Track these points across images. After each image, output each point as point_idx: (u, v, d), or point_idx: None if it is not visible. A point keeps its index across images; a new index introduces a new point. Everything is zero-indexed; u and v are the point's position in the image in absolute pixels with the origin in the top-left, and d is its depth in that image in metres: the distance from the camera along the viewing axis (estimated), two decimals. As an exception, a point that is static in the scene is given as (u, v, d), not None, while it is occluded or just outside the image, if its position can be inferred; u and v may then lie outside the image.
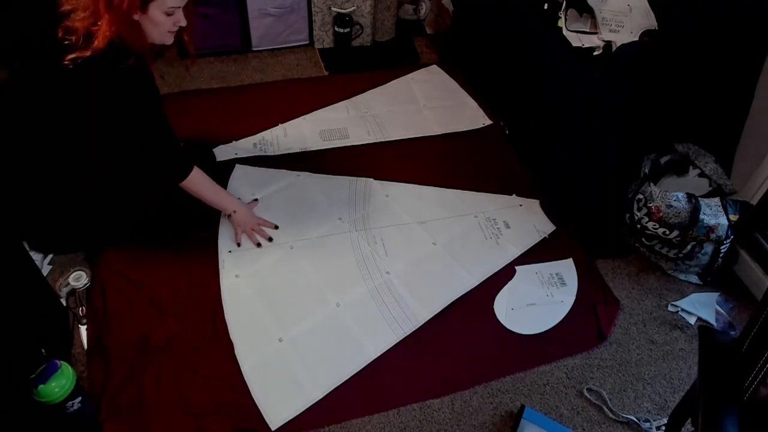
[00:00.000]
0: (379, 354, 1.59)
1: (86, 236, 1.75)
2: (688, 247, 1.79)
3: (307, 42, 2.66)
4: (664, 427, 1.48)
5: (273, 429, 1.44)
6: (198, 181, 1.69)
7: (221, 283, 1.72)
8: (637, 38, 1.82)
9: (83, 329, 1.60)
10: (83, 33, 1.39)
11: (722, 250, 1.79)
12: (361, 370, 1.56)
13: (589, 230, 1.95)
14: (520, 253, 1.88)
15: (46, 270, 1.72)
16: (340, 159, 2.13)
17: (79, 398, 1.36)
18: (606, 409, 1.54)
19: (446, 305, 1.71)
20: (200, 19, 2.30)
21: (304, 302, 1.70)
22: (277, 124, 2.25)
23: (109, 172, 1.65)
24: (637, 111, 1.79)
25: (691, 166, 1.93)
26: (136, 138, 1.58)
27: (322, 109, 2.33)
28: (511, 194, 2.07)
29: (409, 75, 2.54)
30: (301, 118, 2.29)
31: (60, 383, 1.31)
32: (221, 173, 1.99)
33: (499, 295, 1.77)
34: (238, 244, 1.81)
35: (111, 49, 1.40)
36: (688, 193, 1.77)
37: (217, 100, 2.33)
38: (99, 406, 1.43)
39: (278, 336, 1.61)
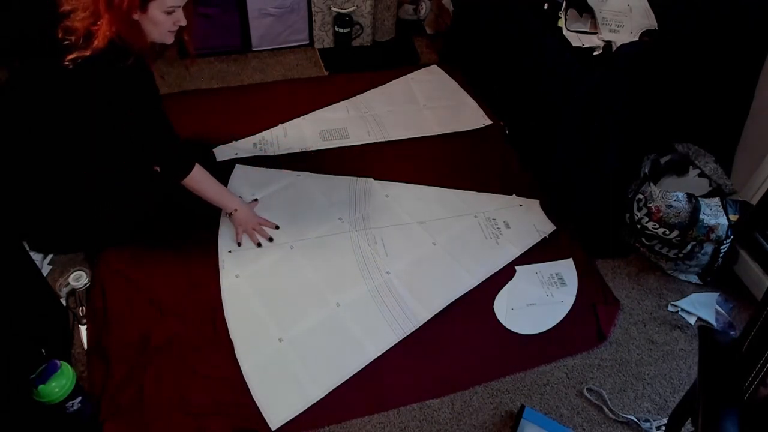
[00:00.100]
0: (379, 354, 1.59)
1: (86, 236, 1.75)
2: (688, 247, 1.79)
3: (307, 42, 2.66)
4: (664, 427, 1.48)
5: (273, 429, 1.44)
6: (200, 179, 1.70)
7: (221, 283, 1.72)
8: (637, 38, 1.82)
9: (83, 329, 1.60)
10: (83, 33, 1.39)
11: (722, 250, 1.79)
12: (361, 370, 1.56)
13: (589, 230, 1.95)
14: (520, 253, 1.88)
15: (46, 270, 1.72)
16: (340, 159, 2.13)
17: (79, 398, 1.36)
18: (606, 409, 1.54)
19: (446, 305, 1.71)
20: (200, 19, 2.30)
21: (304, 302, 1.70)
22: (277, 124, 2.25)
23: (110, 172, 1.65)
24: (637, 111, 1.79)
25: (691, 166, 1.93)
26: (137, 137, 1.58)
27: (322, 109, 2.33)
28: (511, 194, 2.07)
29: (409, 75, 2.54)
30: (301, 118, 2.29)
31: (60, 383, 1.31)
32: (221, 173, 1.99)
33: (499, 295, 1.77)
34: (239, 244, 1.81)
35: (111, 49, 1.40)
36: (688, 193, 1.77)
37: (217, 100, 2.33)
38: (99, 406, 1.43)
39: (278, 336, 1.61)
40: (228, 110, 2.29)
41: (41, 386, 1.29)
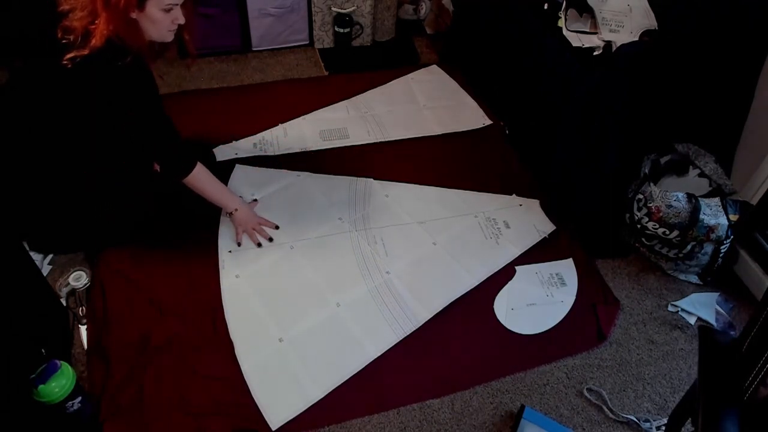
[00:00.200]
0: (379, 354, 1.59)
1: (86, 236, 1.75)
2: (688, 247, 1.78)
3: (307, 42, 2.66)
4: (664, 427, 1.48)
5: (273, 429, 1.44)
6: (201, 178, 1.70)
7: (221, 283, 1.72)
8: (637, 38, 1.82)
9: (83, 329, 1.60)
10: (81, 32, 1.39)
11: (722, 250, 1.79)
12: (361, 370, 1.56)
13: (589, 230, 1.95)
14: (520, 253, 1.88)
15: (46, 270, 1.72)
16: (340, 159, 2.13)
17: (79, 398, 1.36)
18: (606, 409, 1.54)
19: (446, 305, 1.71)
20: (200, 19, 2.30)
21: (304, 302, 1.70)
22: (277, 124, 2.25)
23: (110, 172, 1.65)
24: (637, 111, 1.79)
25: (691, 166, 1.93)
26: (137, 136, 1.58)
27: (322, 109, 2.33)
28: (511, 194, 2.07)
29: (409, 75, 2.54)
30: (301, 118, 2.29)
31: (60, 383, 1.31)
32: (221, 173, 1.98)
33: (499, 295, 1.77)
34: (239, 244, 1.81)
35: (109, 48, 1.40)
36: (688, 193, 1.77)
37: (217, 100, 2.33)
38: (99, 406, 1.43)
39: (278, 336, 1.61)
40: (228, 110, 2.29)
41: (41, 386, 1.29)
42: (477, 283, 1.78)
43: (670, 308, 1.80)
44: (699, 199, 1.75)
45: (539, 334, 1.68)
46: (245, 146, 2.14)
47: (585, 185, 1.93)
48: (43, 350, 1.38)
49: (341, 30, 2.57)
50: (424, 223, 1.94)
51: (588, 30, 1.90)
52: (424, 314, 1.69)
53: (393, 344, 1.62)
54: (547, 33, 1.94)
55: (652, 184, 1.81)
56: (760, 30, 1.70)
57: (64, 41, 1.40)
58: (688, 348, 1.70)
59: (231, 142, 2.15)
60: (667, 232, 1.78)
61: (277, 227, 1.87)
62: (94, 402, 1.43)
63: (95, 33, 1.38)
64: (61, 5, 1.41)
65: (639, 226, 1.85)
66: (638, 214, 1.84)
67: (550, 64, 1.93)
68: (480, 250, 1.87)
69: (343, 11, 2.54)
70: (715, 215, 1.73)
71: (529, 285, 1.80)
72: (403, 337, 1.64)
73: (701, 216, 1.72)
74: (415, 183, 2.07)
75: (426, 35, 2.83)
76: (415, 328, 1.66)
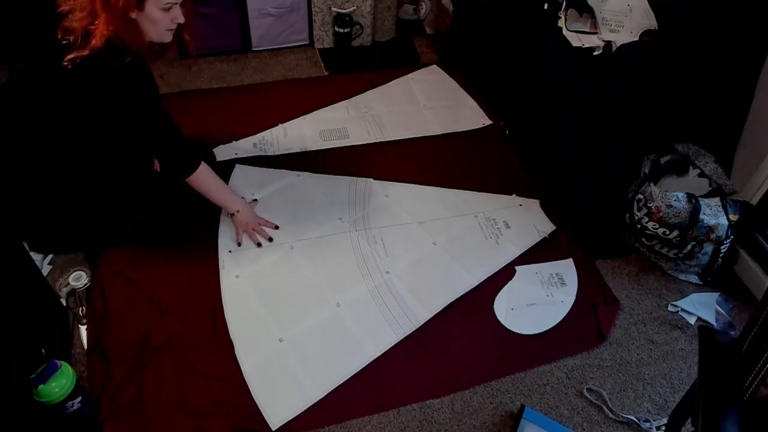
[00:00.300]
0: (379, 354, 1.59)
1: (86, 236, 1.75)
2: (688, 247, 1.78)
3: (307, 42, 2.66)
4: (664, 427, 1.48)
5: (273, 429, 1.44)
6: (205, 178, 1.70)
7: (221, 283, 1.72)
8: (637, 38, 1.82)
9: (83, 329, 1.60)
10: (81, 33, 1.39)
11: (722, 250, 1.79)
12: (361, 370, 1.56)
13: (589, 230, 1.95)
14: (520, 253, 1.88)
15: (46, 270, 1.72)
16: (340, 159, 2.13)
17: (79, 398, 1.36)
18: (606, 409, 1.54)
19: (446, 305, 1.71)
20: (200, 19, 2.30)
21: (304, 302, 1.70)
22: (277, 124, 2.25)
23: (110, 172, 1.65)
24: (637, 111, 1.79)
25: (691, 166, 1.93)
26: (139, 137, 1.58)
27: (322, 109, 2.33)
28: (511, 194, 2.07)
29: (409, 75, 2.54)
30: (301, 118, 2.29)
31: (60, 383, 1.31)
32: (221, 173, 1.98)
33: (499, 295, 1.77)
34: (239, 244, 1.81)
35: (109, 48, 1.40)
36: (688, 193, 1.77)
37: (217, 100, 2.33)
38: (99, 406, 1.43)
39: (278, 336, 1.61)
40: (228, 110, 2.29)
41: (41, 386, 1.29)
42: (477, 283, 1.78)
43: (670, 308, 1.80)
44: (699, 199, 1.75)
45: (539, 334, 1.68)
46: (245, 146, 2.14)
47: (585, 185, 1.93)
48: (43, 350, 1.38)
49: (341, 30, 2.57)
50: (424, 223, 1.94)
51: (588, 30, 1.90)
52: (424, 314, 1.69)
53: (393, 344, 1.62)
54: (547, 33, 1.94)
55: (652, 184, 1.81)
56: (760, 30, 1.70)
57: (64, 42, 1.40)
58: (688, 348, 1.70)
59: (231, 142, 2.15)
60: (667, 232, 1.78)
61: (277, 227, 1.87)
62: (94, 402, 1.43)
63: (95, 33, 1.38)
64: (60, 6, 1.41)
65: (639, 226, 1.85)
66: (638, 214, 1.84)
67: (550, 64, 1.93)
68: (480, 250, 1.87)
69: (343, 11, 2.54)
70: (715, 215, 1.73)
71: (529, 285, 1.80)
72: (403, 337, 1.64)
73: (701, 216, 1.72)
74: (415, 183, 2.07)
75: (426, 35, 2.83)
76: (415, 328, 1.66)
